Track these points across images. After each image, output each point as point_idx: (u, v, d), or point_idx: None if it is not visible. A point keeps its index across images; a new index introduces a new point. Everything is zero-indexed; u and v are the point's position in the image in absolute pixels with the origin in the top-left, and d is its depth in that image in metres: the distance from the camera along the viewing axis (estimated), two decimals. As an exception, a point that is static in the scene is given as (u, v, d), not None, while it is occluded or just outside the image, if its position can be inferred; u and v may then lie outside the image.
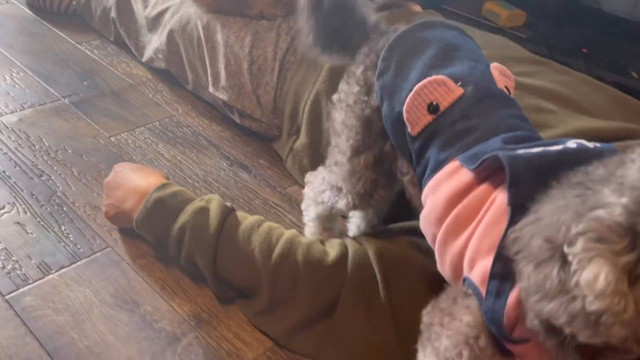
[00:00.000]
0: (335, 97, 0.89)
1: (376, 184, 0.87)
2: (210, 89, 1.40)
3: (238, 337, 0.94)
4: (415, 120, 0.75)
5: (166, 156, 1.31)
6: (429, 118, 0.74)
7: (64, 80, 1.52)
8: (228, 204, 0.99)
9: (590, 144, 0.64)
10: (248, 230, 0.94)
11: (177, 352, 0.90)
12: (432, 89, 0.74)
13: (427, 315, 0.71)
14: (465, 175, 0.68)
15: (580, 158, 0.60)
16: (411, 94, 0.74)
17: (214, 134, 1.41)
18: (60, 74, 1.55)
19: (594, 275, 0.47)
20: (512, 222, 0.60)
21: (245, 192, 1.24)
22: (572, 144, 0.65)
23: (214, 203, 0.97)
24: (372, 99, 0.84)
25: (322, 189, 0.97)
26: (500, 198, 0.64)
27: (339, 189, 0.92)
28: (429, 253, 0.91)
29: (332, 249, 0.93)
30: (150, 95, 1.52)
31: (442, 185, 0.70)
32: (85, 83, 1.53)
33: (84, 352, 0.88)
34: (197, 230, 0.94)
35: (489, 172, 0.67)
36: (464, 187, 0.68)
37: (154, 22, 1.53)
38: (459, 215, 0.67)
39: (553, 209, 0.53)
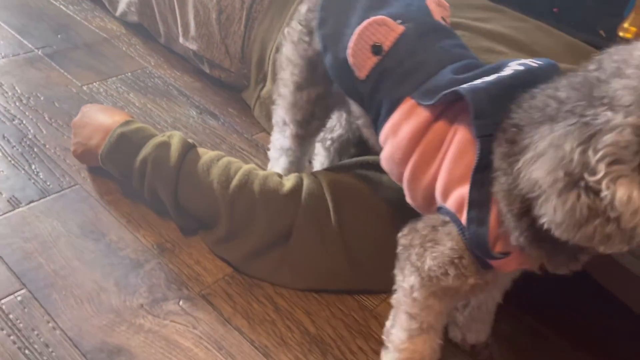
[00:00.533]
0: (285, 30, 0.93)
1: (312, 115, 0.92)
2: (181, 40, 1.43)
3: (199, 263, 0.99)
4: (362, 63, 0.77)
5: (137, 104, 1.35)
6: (374, 60, 0.77)
7: (38, 33, 1.55)
8: (190, 140, 1.03)
9: (533, 62, 0.69)
10: (207, 164, 0.99)
11: (140, 275, 0.95)
12: (373, 30, 0.77)
13: (404, 237, 0.75)
14: (423, 112, 0.72)
15: (529, 79, 0.65)
16: (353, 37, 0.77)
17: (184, 84, 1.44)
18: (34, 28, 1.57)
19: (627, 196, 0.50)
20: (483, 152, 0.64)
21: (213, 138, 1.28)
22: (517, 66, 0.68)
23: (175, 138, 1.01)
24: (314, 42, 0.87)
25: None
26: (462, 129, 0.68)
27: (285, 122, 0.97)
28: (376, 184, 0.96)
29: (288, 180, 0.98)
30: (124, 48, 1.55)
31: (402, 125, 0.74)
32: (59, 36, 1.55)
33: (50, 275, 0.93)
34: (158, 163, 0.98)
35: (444, 106, 0.71)
36: (424, 124, 0.71)
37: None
38: (424, 151, 0.72)
39: (553, 143, 0.55)
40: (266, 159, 1.14)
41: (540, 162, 0.55)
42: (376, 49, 0.76)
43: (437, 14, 0.80)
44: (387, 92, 0.75)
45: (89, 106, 1.13)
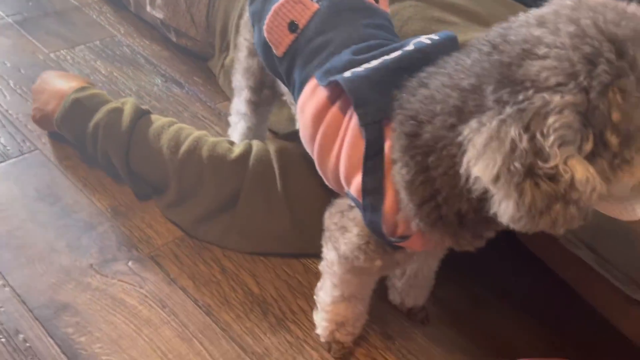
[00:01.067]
0: None
1: (263, 83, 0.94)
2: (148, 8, 1.44)
3: (151, 227, 1.02)
4: (279, 40, 0.78)
5: (103, 72, 1.37)
6: (290, 37, 0.77)
7: (10, 1, 1.56)
8: (144, 106, 1.05)
9: (427, 39, 0.69)
10: (158, 130, 1.01)
11: (92, 237, 0.98)
12: (289, 7, 0.78)
13: (326, 220, 0.78)
14: (322, 93, 0.73)
15: (418, 60, 0.66)
16: (270, 14, 0.78)
17: (152, 53, 1.46)
18: (5, -5, 1.58)
19: (585, 176, 0.50)
20: (370, 140, 0.65)
21: (175, 106, 1.30)
22: (410, 46, 0.69)
23: (128, 104, 1.03)
24: None
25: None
26: (355, 116, 0.69)
27: (241, 87, 0.99)
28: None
29: (238, 147, 1.00)
30: (94, 16, 1.56)
31: (307, 104, 0.75)
32: (30, 3, 1.56)
33: (3, 235, 0.96)
34: (109, 128, 1.00)
35: (341, 90, 0.70)
36: (323, 105, 0.73)
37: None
38: (325, 134, 0.73)
39: (493, 136, 0.52)
40: (227, 128, 1.16)
41: (485, 159, 0.52)
42: (292, 27, 0.77)
43: None
44: (298, 70, 0.76)
45: (48, 72, 1.15)
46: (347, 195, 0.73)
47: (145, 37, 1.51)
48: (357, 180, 0.68)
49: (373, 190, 0.67)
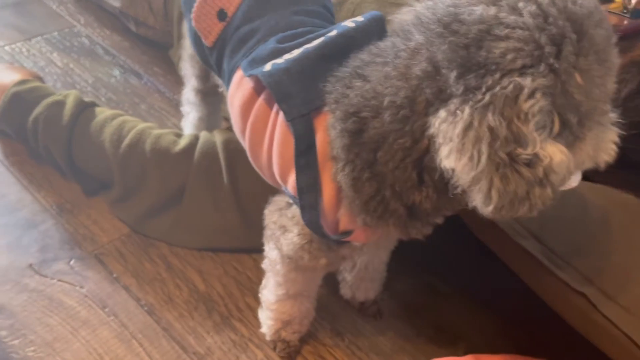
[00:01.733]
0: None
1: (209, 72, 0.90)
2: (108, -2, 1.39)
3: (96, 223, 0.99)
4: (208, 29, 0.74)
5: (58, 64, 1.33)
6: (220, 26, 0.73)
7: (-33, -7, 1.52)
8: (89, 99, 1.02)
9: (352, 23, 0.65)
10: (101, 123, 0.97)
11: (33, 236, 0.95)
12: None
13: (266, 218, 0.74)
14: (248, 84, 0.69)
15: (342, 44, 0.62)
16: (197, 2, 0.74)
17: (112, 43, 1.42)
18: (-37, -13, 1.54)
19: (561, 158, 0.49)
20: (299, 136, 0.61)
21: (132, 97, 1.27)
22: (333, 32, 0.65)
23: (70, 97, 0.99)
24: None
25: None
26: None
27: (188, 77, 0.96)
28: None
29: (184, 139, 0.97)
30: (54, 7, 1.51)
31: (235, 96, 0.71)
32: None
33: (-60, 236, 0.93)
34: (49, 123, 0.97)
35: None
36: (249, 97, 0.69)
37: None
38: (254, 127, 0.69)
39: (467, 126, 0.49)
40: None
41: (466, 153, 0.49)
42: (221, 15, 0.73)
43: None
44: (227, 60, 0.73)
45: (-8, 66, 1.11)
46: (285, 192, 0.70)
47: (106, 27, 1.46)
48: (293, 178, 0.65)
49: (309, 188, 0.63)
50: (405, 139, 0.55)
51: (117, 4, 1.37)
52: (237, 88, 0.70)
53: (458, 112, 0.49)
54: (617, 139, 0.60)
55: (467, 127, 0.49)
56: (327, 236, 0.66)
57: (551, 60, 0.48)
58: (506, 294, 0.92)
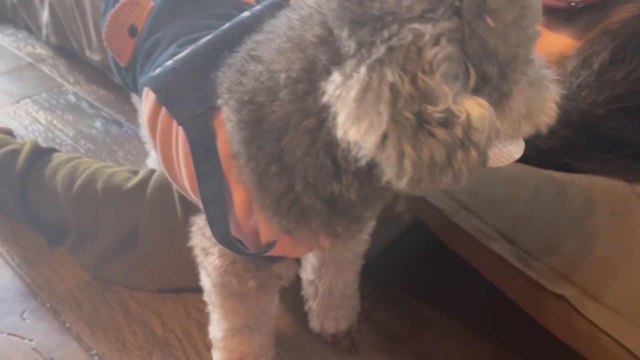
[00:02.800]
0: None
1: None
2: (87, 53, 1.41)
3: (56, 273, 0.94)
4: (121, 49, 0.70)
5: (42, 122, 1.33)
6: (132, 43, 0.69)
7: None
8: (49, 146, 0.99)
9: (248, 12, 0.60)
10: (55, 167, 0.94)
11: (-12, 292, 0.91)
12: (127, 11, 0.70)
13: (191, 240, 0.67)
14: (151, 96, 0.63)
15: (236, 34, 0.56)
16: (107, 21, 0.70)
17: (98, 97, 1.42)
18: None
19: (480, 112, 0.41)
20: (194, 140, 0.55)
21: (111, 146, 1.24)
22: (226, 25, 0.59)
23: (27, 145, 0.97)
24: None
25: None
26: None
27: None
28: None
29: (138, 175, 0.92)
30: (46, 70, 1.54)
31: (145, 112, 0.66)
32: (-17, 65, 1.57)
33: None
34: (3, 171, 0.94)
35: None
36: (153, 110, 0.63)
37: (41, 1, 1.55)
38: (162, 142, 0.63)
39: (364, 87, 0.41)
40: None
41: (365, 117, 0.40)
42: (132, 31, 0.69)
43: None
44: (139, 76, 0.68)
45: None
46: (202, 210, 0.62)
47: (93, 82, 1.47)
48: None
49: (214, 198, 0.55)
50: (310, 120, 0.46)
51: (97, 58, 1.37)
52: (145, 102, 0.65)
53: (354, 73, 0.41)
54: (557, 99, 0.50)
55: (365, 89, 0.40)
56: (244, 252, 0.57)
57: (452, 0, 0.40)
58: (500, 318, 0.80)
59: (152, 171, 0.92)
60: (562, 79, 0.76)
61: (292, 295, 0.83)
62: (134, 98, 0.93)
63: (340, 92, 0.41)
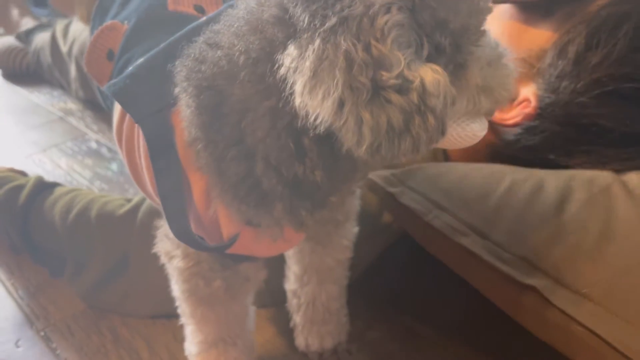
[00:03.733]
0: None
1: None
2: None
3: (54, 303, 0.95)
4: (101, 73, 0.72)
5: (63, 167, 1.39)
6: (110, 66, 0.71)
7: None
8: (53, 181, 1.03)
9: (205, 17, 0.61)
10: (55, 199, 0.97)
11: (-11, 320, 0.93)
12: (105, 36, 0.72)
13: (157, 246, 0.67)
14: (118, 107, 0.66)
15: (197, 32, 0.55)
16: (87, 47, 0.73)
17: (117, 142, 1.47)
18: None
19: (434, 78, 0.41)
20: (151, 135, 0.54)
21: (123, 185, 1.28)
22: (186, 28, 0.60)
23: (31, 181, 1.01)
24: None
25: None
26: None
27: None
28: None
29: (131, 201, 0.93)
30: (74, 123, 1.63)
31: (113, 123, 0.69)
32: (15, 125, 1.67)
33: None
34: (6, 205, 0.98)
35: None
36: (119, 119, 0.65)
37: (69, 56, 1.65)
38: (126, 147, 0.65)
39: (319, 56, 0.42)
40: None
41: (321, 85, 0.41)
42: (110, 55, 0.71)
43: (183, 4, 0.73)
44: None
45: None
46: None
47: (115, 130, 1.54)
48: None
49: (173, 192, 0.55)
50: (270, 100, 0.46)
51: (115, 104, 1.43)
52: (114, 115, 0.67)
53: (309, 45, 0.41)
54: (514, 74, 0.49)
55: (320, 57, 0.41)
56: (204, 246, 0.56)
57: None
58: (500, 332, 0.74)
59: (144, 197, 0.93)
60: (542, 73, 0.74)
61: (279, 317, 0.80)
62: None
63: (297, 63, 0.42)
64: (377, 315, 0.83)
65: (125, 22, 0.72)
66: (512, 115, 0.76)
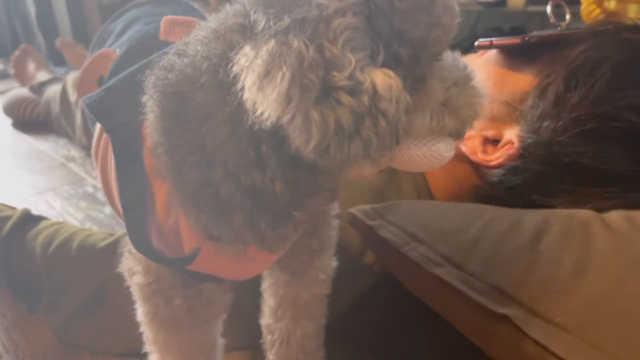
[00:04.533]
0: None
1: None
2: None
3: (26, 337, 0.92)
4: None
5: (57, 208, 1.39)
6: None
7: None
8: (39, 215, 1.02)
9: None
10: (39, 230, 0.96)
11: (-43, 354, 0.89)
12: (97, 63, 0.74)
13: (120, 264, 0.64)
14: (98, 127, 0.67)
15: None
16: (80, 74, 0.75)
17: (114, 187, 1.48)
18: None
19: (386, 82, 0.41)
20: (118, 144, 0.55)
21: (114, 227, 1.27)
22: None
23: (18, 213, 1.00)
24: None
25: None
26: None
27: None
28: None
29: (115, 234, 0.92)
30: (74, 169, 1.64)
31: (93, 142, 0.70)
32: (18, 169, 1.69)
33: None
34: (-11, 236, 0.97)
35: None
36: (97, 137, 0.67)
37: (76, 104, 1.70)
38: (101, 162, 0.65)
39: (272, 54, 0.42)
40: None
41: (269, 80, 0.41)
42: (101, 81, 0.72)
43: (174, 33, 0.76)
44: None
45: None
46: None
47: (113, 176, 1.55)
48: None
49: (135, 201, 0.54)
50: (231, 105, 0.45)
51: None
52: (95, 132, 0.67)
53: (264, 45, 0.42)
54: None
55: (271, 55, 0.41)
56: (163, 258, 0.54)
57: None
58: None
59: (128, 232, 0.92)
60: (524, 115, 0.74)
61: None
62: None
63: (251, 62, 0.42)
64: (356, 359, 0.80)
65: (117, 49, 0.74)
66: (496, 157, 0.76)
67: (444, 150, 0.49)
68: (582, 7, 1.07)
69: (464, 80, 0.49)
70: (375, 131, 0.40)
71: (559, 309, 0.49)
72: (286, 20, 0.41)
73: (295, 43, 0.40)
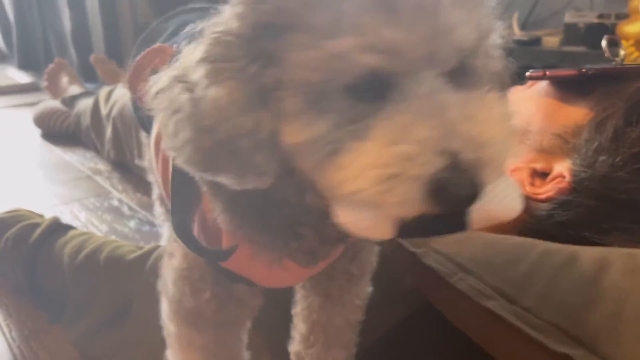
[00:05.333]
0: None
1: None
2: (136, 161, 1.49)
3: (46, 348, 0.90)
4: (142, 90, 0.75)
5: (81, 219, 1.38)
6: None
7: (32, 176, 1.70)
8: (68, 224, 1.01)
9: None
10: (68, 239, 0.95)
11: (-22, 361, 0.87)
12: (150, 57, 0.74)
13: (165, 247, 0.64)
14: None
15: None
16: (131, 67, 0.75)
17: (139, 202, 1.47)
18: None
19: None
20: None
21: (139, 241, 1.25)
22: None
23: (48, 220, 0.99)
24: None
25: None
26: None
27: (153, 186, 0.94)
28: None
29: (143, 249, 0.90)
30: (100, 181, 1.64)
31: (151, 137, 0.70)
32: (45, 180, 1.69)
33: None
34: (18, 241, 0.96)
35: None
36: (158, 133, 0.66)
37: (107, 118, 1.70)
38: (162, 159, 0.65)
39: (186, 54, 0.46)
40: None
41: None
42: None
43: None
44: None
45: None
46: None
47: (139, 190, 1.54)
48: None
49: (185, 187, 0.53)
50: None
51: (144, 164, 1.45)
52: (153, 130, 0.67)
53: None
54: None
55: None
56: (199, 247, 0.53)
57: None
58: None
59: (158, 245, 0.90)
60: (577, 149, 0.72)
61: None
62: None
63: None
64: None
65: (175, 45, 0.74)
66: (545, 190, 0.73)
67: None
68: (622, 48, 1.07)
69: None
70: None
71: (624, 353, 0.46)
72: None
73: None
